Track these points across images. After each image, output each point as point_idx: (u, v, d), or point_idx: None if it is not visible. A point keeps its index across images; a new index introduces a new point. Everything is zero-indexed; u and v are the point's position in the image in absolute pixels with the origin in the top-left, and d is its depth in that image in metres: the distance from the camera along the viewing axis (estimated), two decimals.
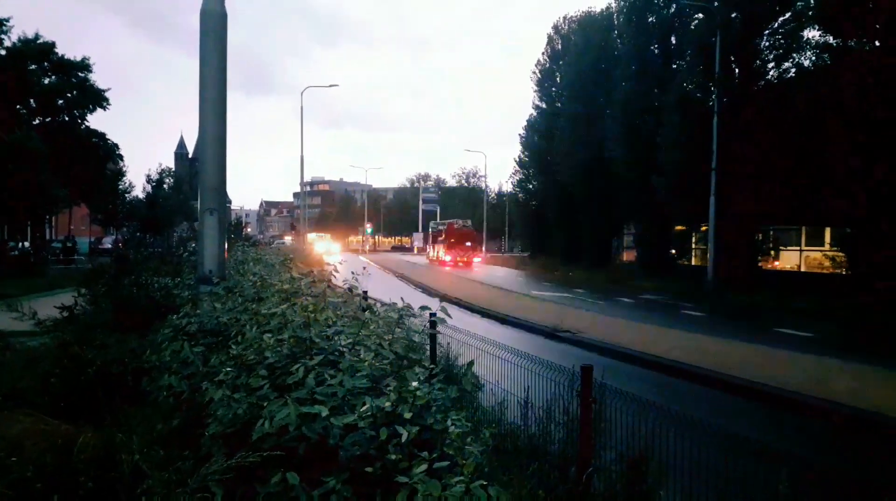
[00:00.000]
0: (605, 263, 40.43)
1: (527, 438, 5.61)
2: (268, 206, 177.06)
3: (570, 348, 13.71)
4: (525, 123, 55.11)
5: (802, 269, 26.43)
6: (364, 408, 3.55)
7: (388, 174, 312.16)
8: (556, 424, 5.42)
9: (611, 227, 40.99)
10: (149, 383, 5.53)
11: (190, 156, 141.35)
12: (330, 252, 48.43)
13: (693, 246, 33.30)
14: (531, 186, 55.48)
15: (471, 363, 4.62)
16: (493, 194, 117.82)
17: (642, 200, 33.29)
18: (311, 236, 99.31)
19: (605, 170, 37.60)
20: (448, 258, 49.87)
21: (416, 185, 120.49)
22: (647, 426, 4.54)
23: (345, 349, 4.49)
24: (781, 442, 6.21)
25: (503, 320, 17.71)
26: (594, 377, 4.84)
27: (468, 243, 51.19)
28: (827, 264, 23.45)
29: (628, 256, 40.75)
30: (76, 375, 6.43)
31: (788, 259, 27.33)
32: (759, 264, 26.98)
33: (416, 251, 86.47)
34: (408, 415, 3.51)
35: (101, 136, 46.24)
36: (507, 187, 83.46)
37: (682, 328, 15.97)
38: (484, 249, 63.45)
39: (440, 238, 53.99)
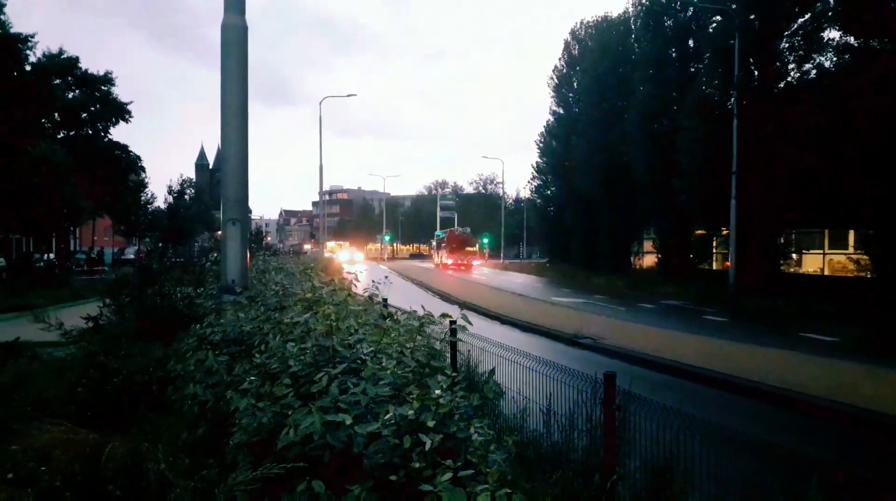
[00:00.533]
0: (625, 268, 40.19)
1: (550, 446, 5.58)
2: (287, 215, 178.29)
3: (591, 354, 13.65)
4: (542, 129, 55.07)
5: (826, 272, 26.05)
6: (387, 416, 3.55)
7: (406, 182, 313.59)
8: (579, 432, 5.39)
9: (630, 231, 40.75)
10: (173, 392, 5.59)
11: (210, 166, 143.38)
12: (353, 260, 52.30)
13: (714, 250, 32.99)
14: (549, 192, 55.33)
15: (492, 371, 4.61)
16: (510, 201, 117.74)
17: (662, 204, 33.07)
18: (331, 245, 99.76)
19: (623, 174, 37.42)
20: (450, 262, 57.22)
21: (433, 192, 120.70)
22: (671, 433, 4.49)
23: (367, 358, 4.50)
24: (810, 448, 6.12)
25: (523, 326, 17.66)
26: (617, 384, 4.80)
27: (467, 248, 58.87)
28: (851, 267, 23.10)
29: (648, 261, 40.44)
30: (102, 384, 6.52)
31: (811, 263, 26.95)
32: (782, 269, 26.64)
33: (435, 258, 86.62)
34: (431, 423, 3.50)
35: (124, 148, 46.98)
36: (525, 193, 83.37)
37: (705, 334, 15.82)
38: (491, 254, 66.52)
39: (443, 245, 61.72)
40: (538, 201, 59.63)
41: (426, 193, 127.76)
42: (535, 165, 57.26)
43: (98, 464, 4.44)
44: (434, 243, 72.42)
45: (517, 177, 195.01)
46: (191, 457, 4.59)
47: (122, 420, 5.76)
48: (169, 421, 5.80)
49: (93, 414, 6.04)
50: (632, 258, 42.02)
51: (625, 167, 36.91)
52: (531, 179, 59.04)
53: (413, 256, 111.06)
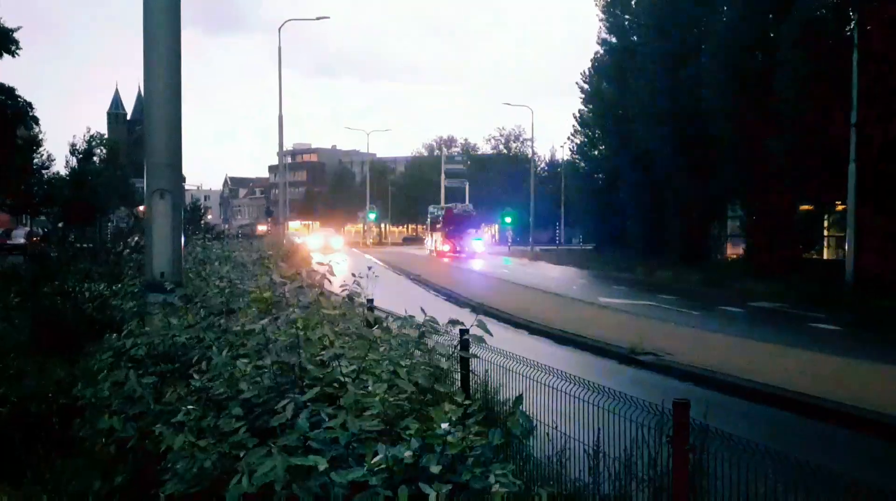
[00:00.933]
0: (701, 258, 40.15)
1: (598, 500, 5.60)
2: (235, 185, 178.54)
3: (653, 376, 13.66)
4: (587, 66, 54.93)
5: None
6: (376, 459, 3.57)
7: (399, 139, 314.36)
8: (639, 481, 5.40)
9: (709, 209, 40.66)
10: (82, 426, 5.63)
11: (128, 117, 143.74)
12: (328, 247, 53.60)
13: (825, 233, 32.86)
14: (596, 153, 55.34)
15: (519, 398, 4.62)
16: (542, 165, 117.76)
17: (752, 170, 32.94)
18: (295, 226, 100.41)
19: (700, 129, 37.29)
20: (447, 248, 60.02)
21: (436, 153, 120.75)
22: (767, 486, 4.50)
23: (347, 379, 4.53)
24: None
25: (560, 337, 17.69)
26: (692, 417, 4.80)
27: (469, 230, 61.34)
28: None
29: (733, 248, 40.35)
30: None
31: None
32: None
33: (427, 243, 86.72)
34: (436, 469, 3.53)
35: (10, 92, 47.04)
36: (563, 154, 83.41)
37: (811, 348, 15.81)
38: (516, 239, 66.88)
39: (438, 226, 64.05)
40: (581, 164, 59.65)
41: (426, 153, 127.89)
42: (577, 116, 57.28)
43: None
44: (427, 223, 74.54)
45: (552, 132, 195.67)
46: None
47: (14, 464, 5.83)
48: (76, 466, 5.86)
49: None
50: (711, 245, 41.96)
51: (702, 119, 36.76)
52: (571, 136, 59.20)
53: (407, 239, 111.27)
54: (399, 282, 34.81)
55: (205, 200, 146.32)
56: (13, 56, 44.73)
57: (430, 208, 73.40)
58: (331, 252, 47.67)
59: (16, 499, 4.67)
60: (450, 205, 68.22)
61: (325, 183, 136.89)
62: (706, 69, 36.30)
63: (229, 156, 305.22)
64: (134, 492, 4.84)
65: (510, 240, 75.89)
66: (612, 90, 50.29)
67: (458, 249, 59.51)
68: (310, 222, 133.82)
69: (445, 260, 50.91)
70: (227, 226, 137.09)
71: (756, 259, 34.32)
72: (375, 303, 9.80)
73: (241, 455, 3.75)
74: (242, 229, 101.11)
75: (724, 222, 41.57)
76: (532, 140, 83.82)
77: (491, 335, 5.17)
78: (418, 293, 29.67)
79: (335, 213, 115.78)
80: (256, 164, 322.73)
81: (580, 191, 62.70)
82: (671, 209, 42.13)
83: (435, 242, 64.83)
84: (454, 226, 61.51)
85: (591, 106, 54.73)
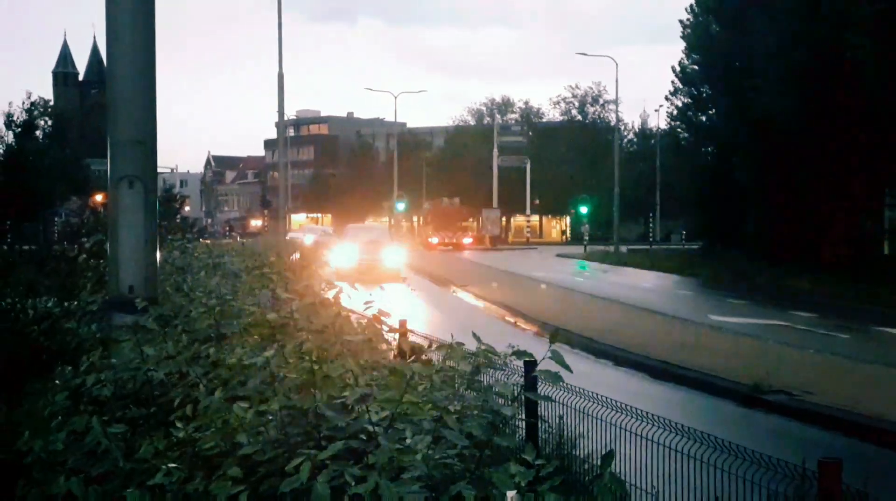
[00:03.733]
0: (851, 261, 39.58)
1: None
2: (220, 166, 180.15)
3: (786, 423, 13.55)
4: (690, 2, 54.54)
5: None
6: None
7: (436, 103, 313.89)
8: None
9: (861, 195, 40.12)
10: (28, 490, 5.71)
11: (80, 77, 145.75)
12: (377, 267, 38.72)
13: None
14: (704, 119, 54.88)
15: (609, 456, 4.62)
16: (630, 135, 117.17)
17: None
18: (299, 219, 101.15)
19: (847, 86, 36.80)
20: (435, 241, 78.49)
21: (486, 121, 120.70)
22: None
23: (378, 429, 4.55)
24: None
25: (656, 370, 17.62)
26: (844, 481, 4.75)
27: (459, 224, 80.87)
28: None
29: (894, 247, 39.82)
30: None
31: None
32: None
33: (487, 243, 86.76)
34: None
35: None
36: (659, 122, 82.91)
37: None
38: (594, 233, 69.91)
39: (428, 219, 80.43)
40: (683, 135, 59.15)
41: (472, 122, 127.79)
42: (677, 70, 56.83)
43: None
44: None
45: (643, 91, 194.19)
46: None
47: None
48: None
49: None
50: (863, 244, 41.38)
51: (851, 70, 36.26)
52: (670, 96, 58.76)
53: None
54: (440, 295, 34.89)
55: (181, 186, 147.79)
56: None
57: (425, 205, 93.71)
58: (384, 278, 30.26)
59: None
60: (438, 199, 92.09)
61: (338, 163, 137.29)
62: (853, 3, 35.79)
63: (213, 128, 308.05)
64: None
65: (586, 237, 75.25)
66: (726, 35, 49.85)
67: (445, 241, 78.56)
68: (319, 215, 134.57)
69: (500, 268, 49.97)
70: (209, 220, 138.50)
71: None
72: (410, 324, 9.84)
73: None
74: (231, 225, 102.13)
75: (881, 214, 40.96)
76: (616, 102, 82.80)
77: (570, 371, 5.15)
78: (465, 310, 29.71)
79: (351, 201, 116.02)
80: (250, 139, 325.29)
81: (682, 171, 62.24)
82: (807, 196, 41.59)
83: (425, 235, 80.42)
84: (441, 221, 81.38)
85: (696, 56, 54.34)
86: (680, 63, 56.71)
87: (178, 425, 4.93)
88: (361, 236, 46.93)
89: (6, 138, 68.11)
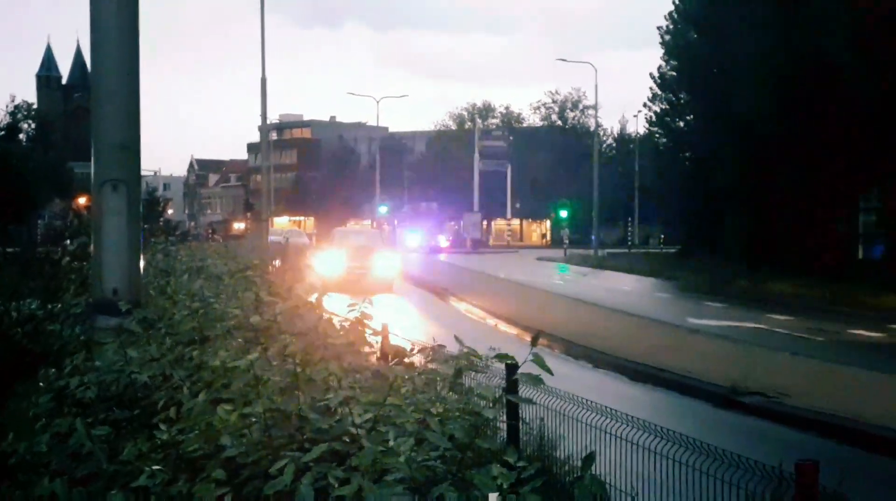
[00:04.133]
0: (825, 265, 39.77)
1: None
2: (203, 169, 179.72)
3: (762, 424, 13.61)
4: (670, 9, 54.77)
5: None
6: None
7: (418, 108, 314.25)
8: None
9: (835, 199, 40.33)
10: (12, 491, 5.69)
11: (63, 80, 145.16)
12: (366, 274, 34.89)
13: None
14: (682, 125, 55.10)
15: (590, 458, 4.63)
16: (609, 140, 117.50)
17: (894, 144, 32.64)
18: (281, 222, 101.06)
19: (824, 91, 37.00)
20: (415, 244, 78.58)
21: (467, 125, 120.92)
22: None
23: (361, 431, 4.55)
24: None
25: (635, 371, 17.69)
26: (821, 483, 4.78)
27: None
28: None
29: (867, 251, 39.99)
30: None
31: None
32: None
33: (468, 245, 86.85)
34: None
35: None
36: (637, 127, 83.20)
37: None
38: (574, 237, 70.66)
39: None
40: (662, 141, 59.37)
41: (454, 127, 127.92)
42: (656, 76, 57.07)
43: None
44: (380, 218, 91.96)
45: (622, 97, 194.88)
46: None
47: None
48: None
49: None
50: (837, 248, 41.57)
51: (826, 76, 36.45)
52: (649, 102, 58.97)
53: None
54: (421, 298, 34.87)
55: (164, 189, 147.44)
56: None
57: (380, 206, 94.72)
58: (374, 288, 27.78)
59: None
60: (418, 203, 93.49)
61: (321, 166, 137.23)
62: (830, 10, 35.99)
63: (196, 131, 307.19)
64: None
65: (566, 241, 75.47)
66: (704, 42, 50.06)
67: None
68: (301, 218, 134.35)
69: (479, 270, 49.95)
70: (192, 224, 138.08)
71: None
72: (392, 327, 9.84)
73: None
74: (214, 228, 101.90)
75: (856, 218, 41.17)
76: (596, 108, 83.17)
77: (551, 374, 5.16)
78: (446, 314, 29.71)
79: (334, 205, 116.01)
80: (233, 142, 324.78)
81: (660, 175, 62.45)
82: (783, 200, 41.77)
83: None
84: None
85: (675, 63, 54.54)
86: (659, 69, 56.99)
87: (162, 427, 4.91)
88: (350, 240, 40.78)
89: None
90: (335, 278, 28.46)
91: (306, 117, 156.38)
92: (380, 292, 25.51)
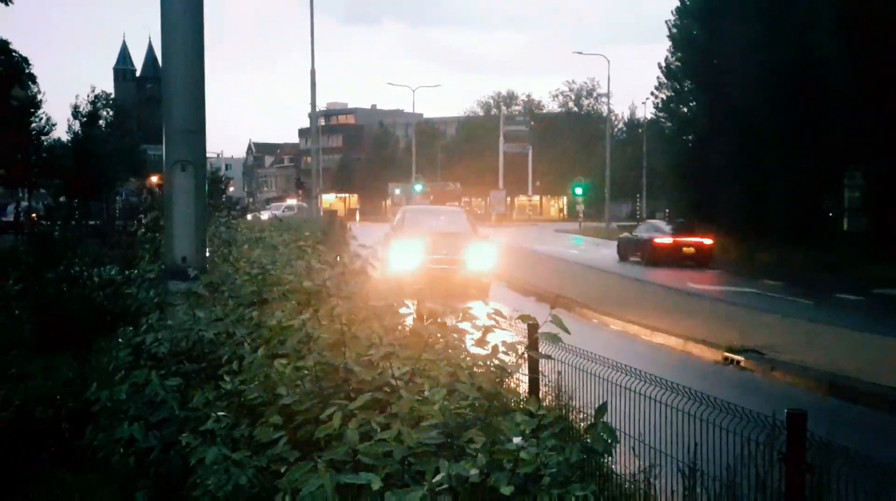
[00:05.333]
0: (812, 236, 39.46)
1: None
2: (260, 151, 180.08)
3: (756, 378, 13.56)
4: (675, 7, 54.12)
5: None
6: (437, 478, 3.59)
7: (449, 96, 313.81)
8: None
9: (822, 177, 39.91)
10: (96, 434, 5.75)
11: (137, 73, 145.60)
12: (462, 259, 22.92)
13: None
14: (685, 111, 54.55)
15: (602, 407, 4.61)
16: (620, 125, 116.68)
17: (877, 129, 32.22)
18: (329, 199, 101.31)
19: (811, 80, 36.57)
20: None
21: (493, 112, 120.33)
22: None
23: (400, 383, 4.56)
24: None
25: (642, 331, 17.64)
26: (809, 430, 4.76)
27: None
28: None
29: (850, 225, 39.58)
30: None
31: None
32: None
33: (493, 220, 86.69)
34: (507, 490, 3.54)
35: (2, 46, 47.83)
36: (645, 113, 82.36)
37: None
38: (588, 212, 68.78)
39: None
40: (667, 125, 58.80)
41: (481, 113, 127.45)
42: (662, 67, 56.44)
43: None
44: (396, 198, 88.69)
45: (632, 86, 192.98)
46: None
47: (16, 478, 6.00)
48: (89, 481, 6.02)
49: None
50: (823, 220, 41.24)
51: (813, 68, 36.02)
52: (655, 90, 58.29)
53: None
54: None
55: (226, 169, 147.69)
56: (6, 4, 45.50)
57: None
58: (465, 293, 18.80)
59: None
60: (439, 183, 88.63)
61: (363, 149, 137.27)
62: (818, 8, 35.48)
63: (253, 118, 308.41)
64: None
65: (581, 215, 75.31)
66: (704, 36, 49.42)
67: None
68: (346, 195, 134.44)
69: (505, 242, 49.94)
70: (250, 200, 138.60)
71: (881, 237, 33.67)
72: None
73: (282, 470, 3.80)
74: (269, 203, 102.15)
75: (841, 193, 40.75)
76: (608, 95, 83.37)
77: (568, 332, 5.14)
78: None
79: (375, 182, 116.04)
80: (285, 128, 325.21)
81: (665, 156, 61.91)
82: (775, 177, 41.35)
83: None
84: None
85: (679, 55, 53.83)
86: (665, 60, 56.21)
87: (226, 378, 4.95)
88: (427, 223, 25.92)
89: (74, 127, 68.13)
90: (412, 277, 18.14)
91: (350, 105, 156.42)
92: (474, 299, 14.73)
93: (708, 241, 37.49)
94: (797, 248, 36.82)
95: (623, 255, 40.04)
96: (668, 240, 37.15)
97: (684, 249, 36.30)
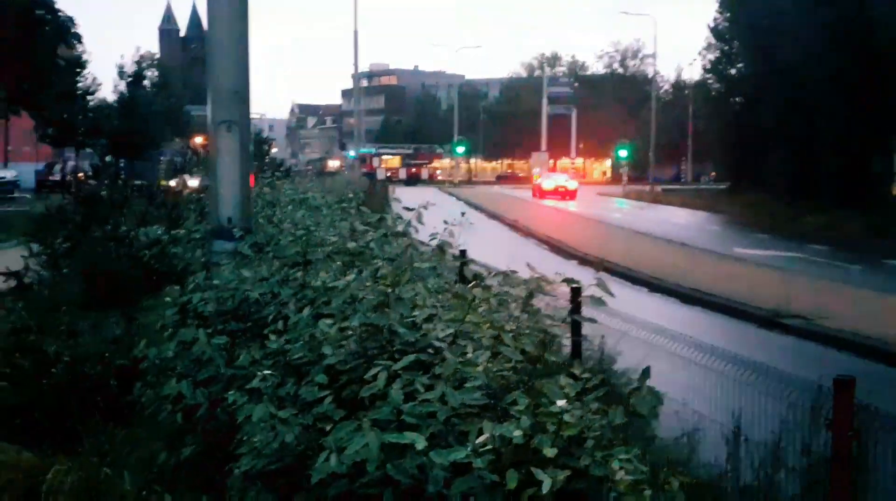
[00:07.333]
0: (863, 200, 38.88)
1: (738, 491, 5.58)
2: (302, 113, 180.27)
3: (802, 344, 13.47)
4: None
5: None
6: (481, 439, 3.62)
7: (492, 57, 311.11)
8: (788, 471, 5.36)
9: (874, 139, 39.24)
10: (144, 390, 5.87)
11: (181, 34, 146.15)
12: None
13: None
14: (734, 72, 53.81)
15: (646, 371, 4.61)
16: (665, 86, 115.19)
17: None
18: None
19: (864, 42, 35.89)
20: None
21: (536, 73, 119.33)
22: None
23: (444, 345, 4.59)
24: None
25: (686, 296, 17.61)
26: (856, 396, 4.72)
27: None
28: None
29: None
30: (35, 378, 6.93)
31: None
32: None
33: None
34: (550, 452, 3.56)
35: (48, 5, 48.07)
36: (692, 74, 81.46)
37: None
38: (633, 174, 69.01)
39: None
40: (714, 86, 58.09)
41: (524, 75, 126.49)
42: (711, 26, 55.66)
43: (38, 499, 4.76)
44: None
45: (678, 47, 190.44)
46: (172, 491, 4.86)
47: (68, 432, 6.13)
48: (137, 435, 6.14)
49: (23, 423, 6.45)
50: (874, 184, 40.59)
51: (867, 28, 35.35)
52: (703, 51, 57.61)
53: (501, 177, 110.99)
54: (493, 229, 34.84)
55: (269, 130, 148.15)
56: None
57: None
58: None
59: (73, 472, 4.91)
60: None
61: (405, 110, 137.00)
62: None
63: (296, 79, 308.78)
64: (204, 467, 5.04)
65: (625, 177, 74.76)
66: None
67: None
68: (387, 154, 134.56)
69: (546, 204, 50.21)
70: (294, 161, 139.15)
71: None
72: (470, 254, 9.85)
73: (327, 428, 3.85)
74: (312, 165, 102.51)
75: (891, 157, 40.08)
76: (654, 56, 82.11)
77: (612, 296, 5.14)
78: (515, 243, 29.66)
79: (416, 144, 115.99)
80: (327, 89, 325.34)
81: (712, 118, 61.24)
82: (825, 140, 40.76)
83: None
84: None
85: (728, 14, 53.06)
86: (714, 20, 55.54)
87: (272, 337, 5.01)
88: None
89: (119, 87, 68.67)
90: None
91: (392, 66, 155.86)
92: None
93: None
94: (845, 212, 36.31)
95: None
96: None
97: None
